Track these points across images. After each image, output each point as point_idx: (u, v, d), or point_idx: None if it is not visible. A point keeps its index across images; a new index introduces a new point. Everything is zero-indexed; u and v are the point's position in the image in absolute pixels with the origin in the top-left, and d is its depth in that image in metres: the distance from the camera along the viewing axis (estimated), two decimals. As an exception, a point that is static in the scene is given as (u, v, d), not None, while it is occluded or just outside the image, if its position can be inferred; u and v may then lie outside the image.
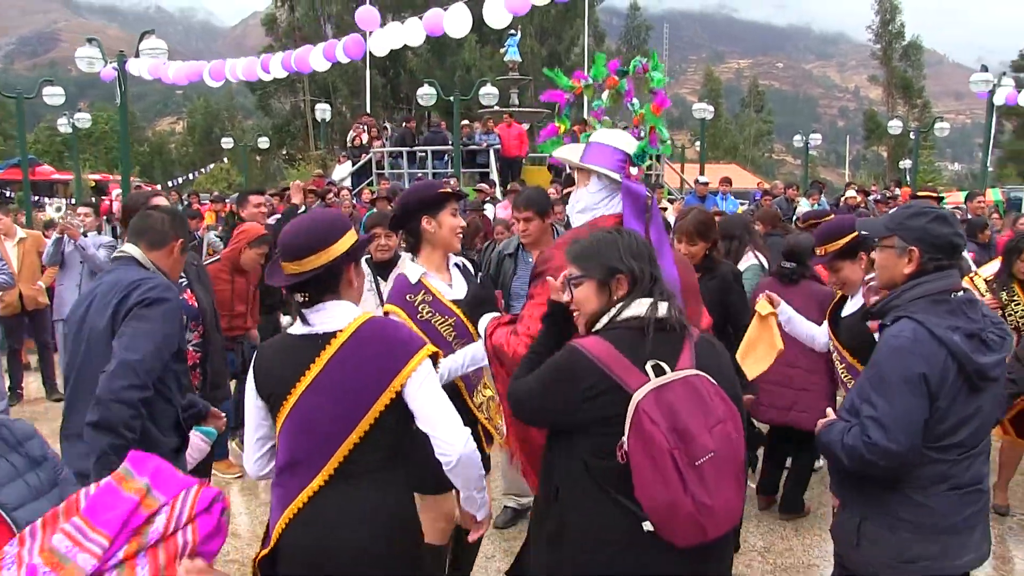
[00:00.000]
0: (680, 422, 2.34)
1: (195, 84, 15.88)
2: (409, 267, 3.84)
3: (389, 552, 2.60)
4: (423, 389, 2.62)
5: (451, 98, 19.80)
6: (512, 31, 24.26)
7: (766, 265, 6.26)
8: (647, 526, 2.37)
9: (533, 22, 48.81)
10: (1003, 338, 2.89)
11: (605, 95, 3.87)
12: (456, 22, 10.95)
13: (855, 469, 2.84)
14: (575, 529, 2.50)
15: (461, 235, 3.93)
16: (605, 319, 2.57)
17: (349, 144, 21.25)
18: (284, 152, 55.72)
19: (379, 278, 5.43)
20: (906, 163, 33.95)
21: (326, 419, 2.58)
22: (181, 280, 4.82)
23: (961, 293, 2.88)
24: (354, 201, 13.92)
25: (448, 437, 2.60)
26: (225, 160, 43.45)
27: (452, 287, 3.87)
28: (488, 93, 21.76)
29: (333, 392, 2.58)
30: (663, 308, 2.54)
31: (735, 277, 5.08)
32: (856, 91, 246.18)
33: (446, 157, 19.33)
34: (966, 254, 6.84)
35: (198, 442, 3.58)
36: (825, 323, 4.64)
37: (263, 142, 39.35)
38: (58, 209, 7.73)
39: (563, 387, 2.50)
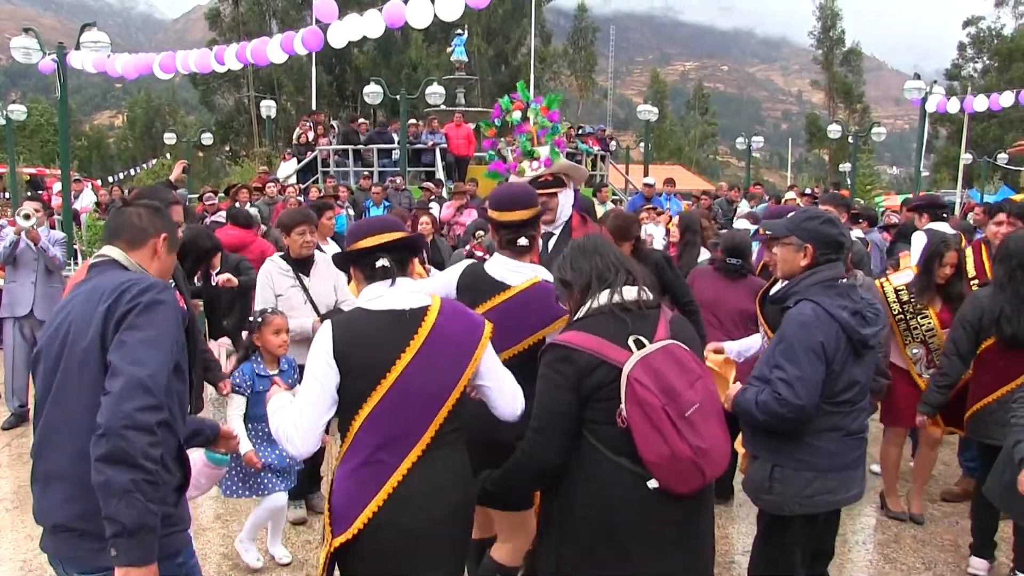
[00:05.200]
0: (666, 382, 2.71)
1: (136, 78, 15.54)
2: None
3: (464, 519, 2.93)
4: (493, 359, 3.01)
5: (397, 97, 19.71)
6: (459, 31, 24.27)
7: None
8: (652, 484, 2.72)
9: (480, 22, 48.87)
10: (877, 314, 3.59)
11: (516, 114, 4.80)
12: (417, 12, 10.83)
13: (767, 422, 3.43)
14: (586, 493, 2.81)
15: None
16: (576, 315, 2.97)
17: (295, 141, 21.06)
18: (228, 149, 55.00)
19: (301, 275, 5.44)
20: (846, 166, 34.64)
21: (425, 393, 2.78)
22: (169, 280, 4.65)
23: (845, 280, 3.58)
24: (300, 199, 13.81)
25: (514, 396, 3.07)
26: (168, 156, 42.67)
27: None
28: (434, 92, 21.71)
29: (431, 366, 2.79)
30: (631, 292, 2.91)
31: (667, 261, 5.37)
32: (799, 95, 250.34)
33: (393, 155, 19.27)
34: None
35: (204, 467, 3.27)
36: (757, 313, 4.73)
37: (207, 138, 38.72)
38: (26, 217, 7.50)
39: (563, 374, 2.81)
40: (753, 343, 4.73)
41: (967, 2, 71.46)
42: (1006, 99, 18.11)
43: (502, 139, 5.15)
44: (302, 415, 2.77)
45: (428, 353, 2.78)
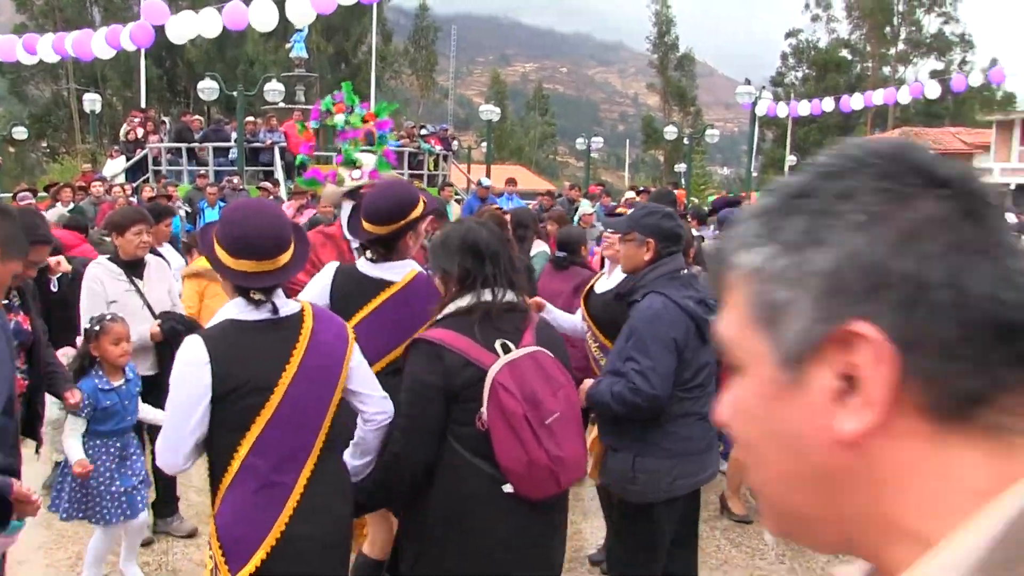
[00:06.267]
0: (529, 390, 2.72)
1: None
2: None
3: (350, 527, 2.90)
4: (361, 362, 2.89)
5: (234, 93, 19.04)
6: (298, 27, 23.65)
7: (549, 252, 7.04)
8: (507, 488, 2.73)
9: (320, 18, 47.84)
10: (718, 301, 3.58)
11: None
12: (262, 16, 10.40)
13: (623, 412, 3.48)
14: (442, 492, 2.78)
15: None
16: (445, 311, 2.90)
17: (122, 138, 20.01)
18: (45, 145, 51.67)
19: (134, 278, 5.05)
20: (681, 167, 36.01)
21: (312, 406, 2.69)
22: (14, 299, 4.06)
23: (686, 270, 3.73)
24: (133, 199, 13.08)
25: (384, 397, 2.91)
26: (-28, 151, 39.44)
27: None
28: (273, 89, 21.16)
29: (314, 376, 2.68)
30: (508, 295, 2.89)
31: (528, 270, 5.68)
32: (635, 97, 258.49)
33: (230, 154, 18.59)
34: None
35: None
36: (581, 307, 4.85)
37: (19, 132, 35.88)
38: None
39: (433, 372, 2.75)
40: (576, 321, 4.78)
41: (789, 16, 75.99)
42: (827, 104, 19.47)
43: (346, 141, 4.99)
44: (175, 429, 2.59)
45: (310, 363, 2.66)
